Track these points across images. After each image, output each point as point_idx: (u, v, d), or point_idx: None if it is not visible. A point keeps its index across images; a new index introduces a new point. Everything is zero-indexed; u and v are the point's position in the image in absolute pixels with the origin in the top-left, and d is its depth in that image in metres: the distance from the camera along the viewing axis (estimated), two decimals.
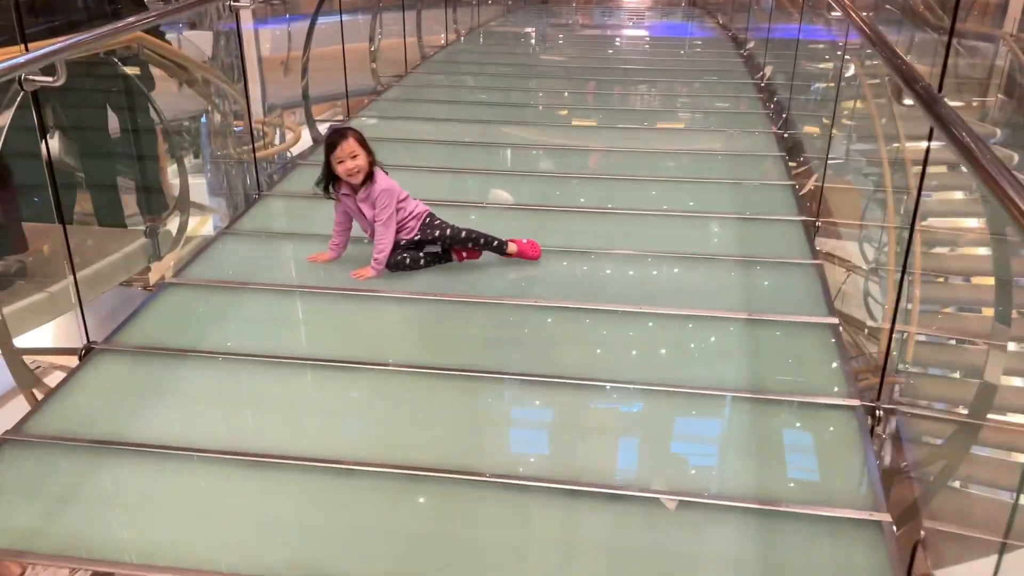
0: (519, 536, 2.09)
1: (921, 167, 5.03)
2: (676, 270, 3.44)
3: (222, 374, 2.74)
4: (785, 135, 5.07)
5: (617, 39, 10.23)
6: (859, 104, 4.80)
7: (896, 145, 4.98)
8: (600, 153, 5.00)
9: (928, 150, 2.39)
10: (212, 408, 2.60)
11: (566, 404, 2.61)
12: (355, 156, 3.12)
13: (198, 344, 2.87)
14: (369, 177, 3.18)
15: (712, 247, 3.65)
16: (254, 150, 4.40)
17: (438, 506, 2.16)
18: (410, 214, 3.29)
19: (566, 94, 6.76)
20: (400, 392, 2.65)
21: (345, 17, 11.03)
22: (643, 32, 10.90)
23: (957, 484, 3.00)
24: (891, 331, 2.69)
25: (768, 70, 6.63)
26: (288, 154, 6.00)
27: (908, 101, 2.17)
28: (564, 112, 6.18)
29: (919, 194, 2.58)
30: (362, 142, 3.16)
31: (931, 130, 2.23)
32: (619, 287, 3.28)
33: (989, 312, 4.73)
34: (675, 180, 4.43)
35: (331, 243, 3.42)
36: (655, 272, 3.42)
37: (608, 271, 3.44)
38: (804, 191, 4.30)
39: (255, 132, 5.91)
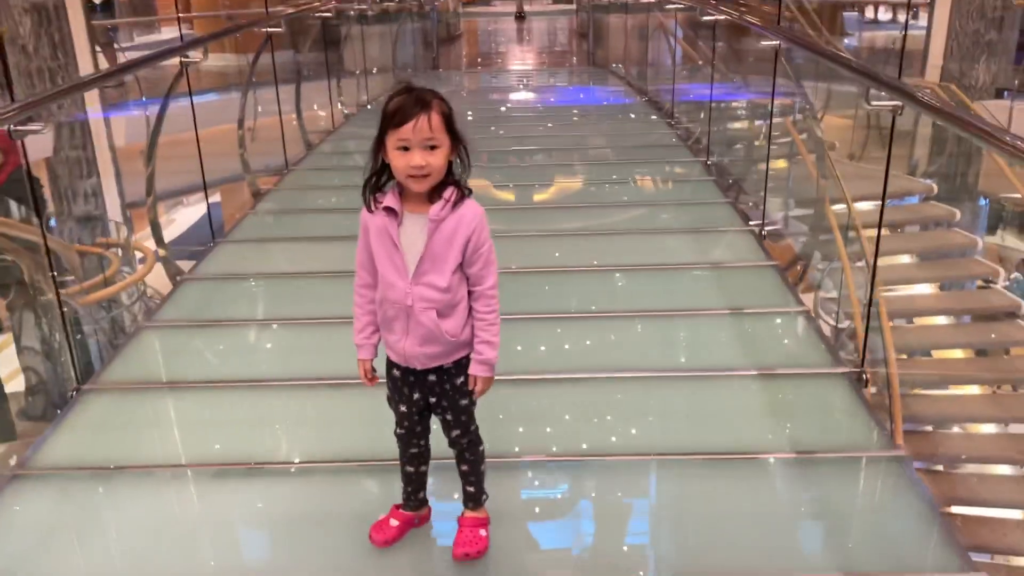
0: None
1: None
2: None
3: None
4: (764, 233, 4.16)
5: (529, 111, 8.88)
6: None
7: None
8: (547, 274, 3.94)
9: None
10: None
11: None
12: (433, 146, 1.80)
13: None
14: (446, 188, 1.86)
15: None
16: (65, 324, 3.03)
17: None
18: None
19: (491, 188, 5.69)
20: None
21: (214, 97, 9.78)
22: (555, 99, 9.62)
23: None
24: None
25: (704, 143, 5.79)
26: (140, 287, 4.66)
27: None
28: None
29: None
30: (449, 124, 1.83)
31: None
32: None
33: None
34: (657, 315, 3.40)
35: (361, 333, 2.00)
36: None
37: None
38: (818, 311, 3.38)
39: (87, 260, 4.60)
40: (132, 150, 8.91)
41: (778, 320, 3.35)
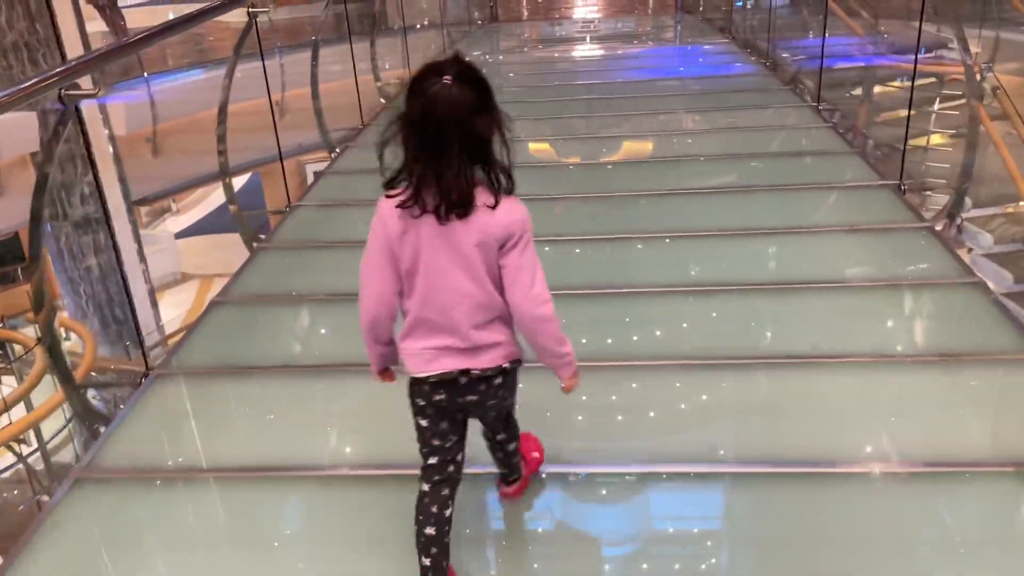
0: None
1: None
2: None
3: None
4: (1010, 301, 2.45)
5: (604, 85, 6.40)
6: None
7: None
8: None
9: None
10: None
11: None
12: None
13: None
14: None
15: None
16: None
17: None
18: None
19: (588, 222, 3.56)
20: None
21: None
22: (639, 65, 7.33)
23: None
24: None
25: (889, 148, 3.97)
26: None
27: None
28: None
29: None
30: None
31: None
32: None
33: None
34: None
35: None
36: None
37: None
38: None
39: None
40: (136, 139, 7.65)
41: None
